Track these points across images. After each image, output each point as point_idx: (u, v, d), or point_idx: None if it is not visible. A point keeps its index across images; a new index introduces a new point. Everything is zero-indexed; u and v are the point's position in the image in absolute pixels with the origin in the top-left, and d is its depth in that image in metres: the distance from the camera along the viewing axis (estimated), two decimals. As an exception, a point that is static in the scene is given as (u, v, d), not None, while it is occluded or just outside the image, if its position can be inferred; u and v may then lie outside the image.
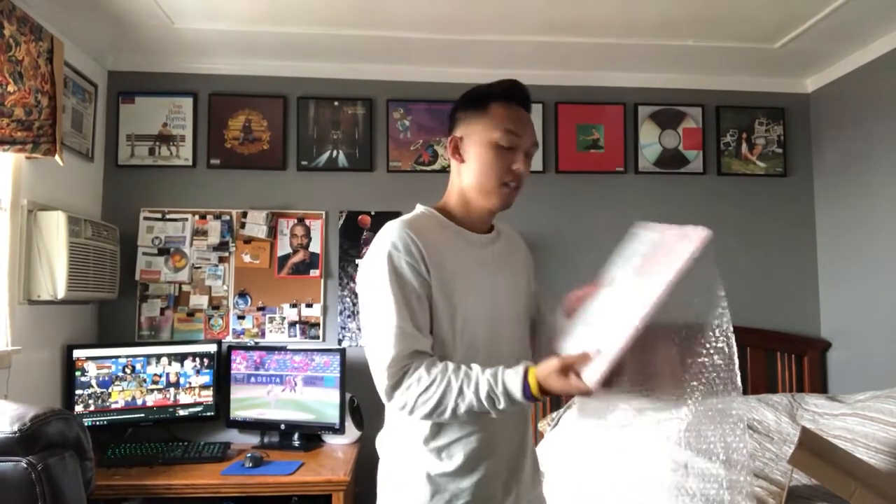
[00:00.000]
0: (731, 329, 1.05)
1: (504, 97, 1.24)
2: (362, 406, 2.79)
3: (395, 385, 1.10)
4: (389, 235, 1.17)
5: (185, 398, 2.74)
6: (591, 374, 0.99)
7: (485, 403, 1.06)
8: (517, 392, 1.04)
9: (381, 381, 1.12)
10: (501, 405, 1.06)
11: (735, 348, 1.04)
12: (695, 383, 1.05)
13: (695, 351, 1.05)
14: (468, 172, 1.25)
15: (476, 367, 1.09)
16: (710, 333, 1.05)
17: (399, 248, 1.15)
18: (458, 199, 1.28)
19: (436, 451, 1.17)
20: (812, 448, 1.78)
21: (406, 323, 1.12)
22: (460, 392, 1.07)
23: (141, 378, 2.69)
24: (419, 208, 1.29)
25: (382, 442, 1.28)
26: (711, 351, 1.05)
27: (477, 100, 1.25)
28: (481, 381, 1.06)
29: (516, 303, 1.31)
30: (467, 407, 1.07)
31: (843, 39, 2.77)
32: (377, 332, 1.14)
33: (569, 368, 1.01)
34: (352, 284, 3.00)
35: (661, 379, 1.06)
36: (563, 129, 3.15)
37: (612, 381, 1.03)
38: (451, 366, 1.10)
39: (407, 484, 1.19)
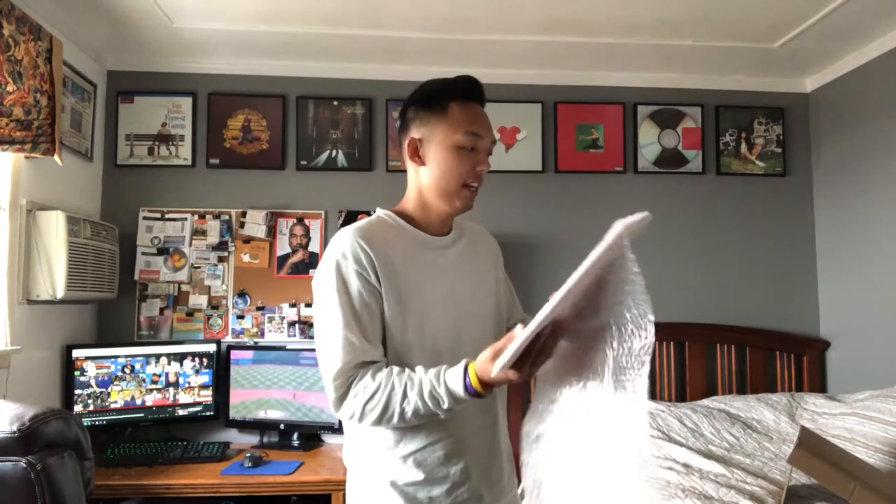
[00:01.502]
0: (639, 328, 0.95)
1: (462, 96, 1.21)
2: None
3: (342, 396, 1.10)
4: (339, 245, 1.16)
5: (184, 398, 2.74)
6: (500, 359, 0.97)
7: (429, 404, 1.04)
8: (459, 389, 1.02)
9: (329, 393, 1.12)
10: (445, 404, 1.04)
11: (645, 347, 0.94)
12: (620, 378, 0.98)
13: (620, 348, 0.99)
14: (428, 175, 1.22)
15: (420, 369, 1.08)
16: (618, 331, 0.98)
17: (347, 258, 1.14)
18: (416, 202, 1.25)
19: (402, 459, 1.14)
20: (811, 447, 1.79)
21: (353, 334, 1.11)
22: (405, 395, 1.05)
23: (140, 378, 2.69)
24: (377, 212, 1.27)
25: (348, 452, 1.25)
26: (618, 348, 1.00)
27: (434, 100, 1.21)
28: (424, 382, 1.05)
29: (482, 302, 1.28)
30: (413, 409, 1.05)
31: (842, 39, 2.77)
32: (325, 343, 1.13)
33: (497, 354, 0.99)
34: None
35: (593, 373, 1.02)
36: (563, 129, 3.14)
37: (527, 366, 0.99)
38: (395, 370, 1.09)
39: (376, 495, 1.16)
